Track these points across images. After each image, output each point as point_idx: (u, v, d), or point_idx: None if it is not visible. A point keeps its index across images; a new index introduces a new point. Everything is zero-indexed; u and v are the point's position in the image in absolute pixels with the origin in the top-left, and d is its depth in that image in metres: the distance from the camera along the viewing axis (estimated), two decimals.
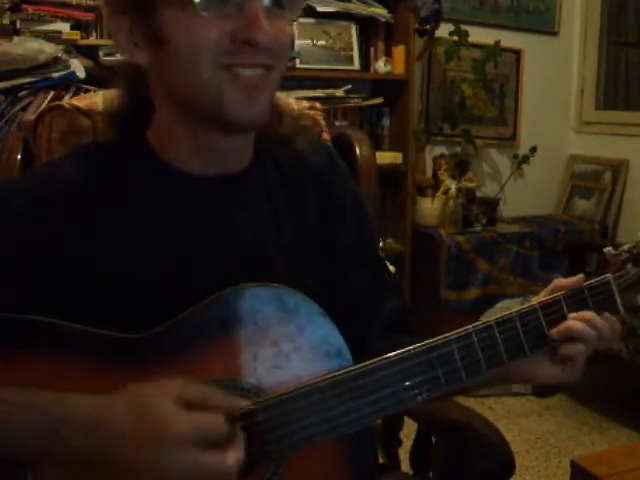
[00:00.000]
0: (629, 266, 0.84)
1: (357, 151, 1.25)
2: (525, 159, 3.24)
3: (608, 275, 0.84)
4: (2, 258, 0.77)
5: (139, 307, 0.77)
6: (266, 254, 0.86)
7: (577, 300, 0.82)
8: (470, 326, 0.81)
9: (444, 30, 2.92)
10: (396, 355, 0.78)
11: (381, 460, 1.21)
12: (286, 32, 0.79)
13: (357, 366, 0.78)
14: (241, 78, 0.75)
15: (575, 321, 0.81)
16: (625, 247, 0.85)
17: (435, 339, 0.79)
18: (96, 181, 0.81)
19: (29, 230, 0.78)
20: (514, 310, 0.82)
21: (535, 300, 0.84)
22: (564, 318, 0.82)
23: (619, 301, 0.83)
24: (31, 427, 0.68)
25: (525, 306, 0.82)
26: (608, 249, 0.86)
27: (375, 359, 0.78)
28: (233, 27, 0.74)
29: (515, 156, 3.31)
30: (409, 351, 0.79)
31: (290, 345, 0.78)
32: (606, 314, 0.82)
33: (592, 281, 0.84)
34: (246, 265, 0.83)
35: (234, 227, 0.85)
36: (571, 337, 0.81)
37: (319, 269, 0.90)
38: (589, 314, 0.81)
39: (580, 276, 0.84)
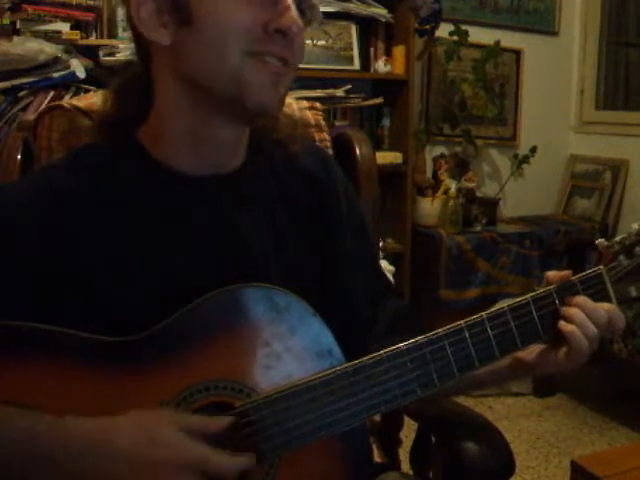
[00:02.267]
0: (621, 257, 0.84)
1: (357, 151, 1.25)
2: (525, 159, 3.24)
3: (600, 267, 0.83)
4: (1, 260, 0.77)
5: (137, 307, 0.77)
6: (261, 254, 0.86)
7: (569, 293, 0.82)
8: (462, 321, 0.80)
9: (444, 30, 2.92)
10: (387, 352, 0.78)
11: (381, 460, 1.22)
12: (304, 39, 0.80)
13: (349, 364, 0.78)
14: (266, 65, 0.76)
15: (567, 308, 0.81)
16: (617, 239, 0.85)
17: (426, 335, 0.79)
18: (91, 183, 0.81)
19: (27, 234, 0.78)
20: (506, 304, 0.81)
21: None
22: (556, 311, 0.81)
23: (612, 293, 0.83)
24: (30, 451, 0.69)
25: (517, 300, 0.82)
26: (600, 241, 0.86)
27: (367, 357, 0.78)
28: (266, 17, 0.75)
29: (515, 156, 3.31)
30: (401, 348, 0.78)
31: (281, 345, 0.78)
32: (604, 303, 0.81)
33: (584, 273, 0.83)
34: (240, 264, 0.83)
35: (229, 226, 0.85)
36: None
37: (317, 271, 0.90)
38: (580, 299, 0.81)
39: (568, 271, 0.84)
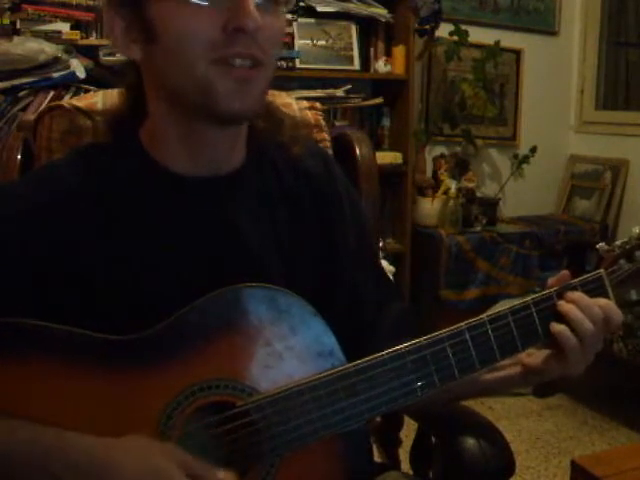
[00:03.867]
0: (622, 261, 0.84)
1: (357, 151, 1.25)
2: (525, 159, 3.24)
3: (601, 270, 0.83)
4: (1, 261, 0.77)
5: (137, 307, 0.77)
6: (261, 254, 0.85)
7: None
8: (463, 323, 0.81)
9: (444, 30, 2.92)
10: (389, 353, 0.78)
11: (381, 460, 1.22)
12: (277, 28, 0.79)
13: (350, 365, 0.78)
14: (232, 70, 0.75)
15: (563, 303, 0.81)
16: (618, 243, 0.85)
17: (427, 337, 0.79)
18: (92, 184, 0.81)
19: (28, 233, 0.78)
20: (507, 307, 0.82)
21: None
22: (557, 314, 0.81)
23: (612, 296, 0.83)
24: (32, 465, 0.69)
25: (517, 302, 0.82)
26: (601, 245, 0.86)
27: (368, 357, 0.78)
28: (224, 18, 0.74)
29: (515, 156, 3.31)
30: (402, 349, 0.79)
31: (283, 345, 0.78)
32: (600, 299, 0.81)
33: (585, 276, 0.83)
34: (241, 264, 0.83)
35: (229, 227, 0.84)
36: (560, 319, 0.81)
37: (319, 272, 0.89)
38: (575, 295, 0.81)
39: (565, 272, 0.84)
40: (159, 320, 0.76)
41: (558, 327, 0.80)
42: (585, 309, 0.80)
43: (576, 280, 0.83)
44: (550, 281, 0.84)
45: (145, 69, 0.82)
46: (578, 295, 0.81)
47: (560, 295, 0.82)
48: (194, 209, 0.83)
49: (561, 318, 0.81)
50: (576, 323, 0.79)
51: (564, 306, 0.80)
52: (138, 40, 0.78)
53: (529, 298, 0.82)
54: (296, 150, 0.92)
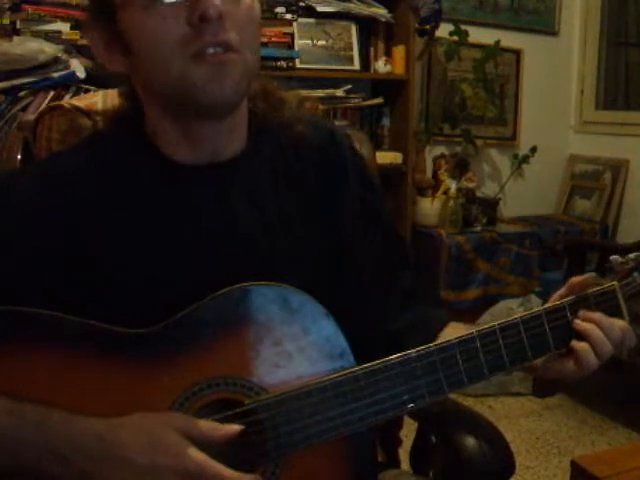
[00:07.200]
0: (635, 274, 0.84)
1: None
2: (525, 159, 3.24)
3: (614, 283, 0.84)
4: (3, 251, 0.78)
5: (139, 300, 0.78)
6: (259, 238, 0.85)
7: (582, 307, 0.83)
8: (474, 330, 0.81)
9: (444, 30, 2.92)
10: (398, 358, 0.79)
11: (381, 459, 1.22)
12: (244, 11, 0.78)
13: (359, 367, 0.78)
14: (206, 57, 0.75)
15: (583, 322, 0.82)
16: (631, 255, 0.85)
17: (438, 343, 0.80)
18: (97, 172, 0.82)
19: (31, 222, 0.78)
20: (518, 315, 0.82)
21: (552, 301, 0.85)
22: (568, 324, 0.82)
23: (625, 309, 0.83)
24: (40, 446, 0.70)
25: (529, 312, 0.82)
26: (615, 257, 0.86)
27: (377, 361, 0.78)
28: (188, 11, 0.74)
29: (515, 156, 3.31)
30: (411, 354, 0.79)
31: (293, 345, 0.78)
32: (619, 320, 0.82)
33: (598, 289, 0.83)
34: (245, 250, 0.84)
35: (226, 213, 0.84)
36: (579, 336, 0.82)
37: (324, 244, 0.89)
38: (596, 315, 0.82)
39: (589, 275, 0.84)
40: (162, 312, 0.76)
41: (581, 344, 0.81)
42: (606, 330, 0.81)
43: (589, 292, 0.83)
44: (561, 291, 0.85)
45: (133, 78, 0.83)
46: (599, 316, 0.81)
47: (573, 307, 0.82)
48: (191, 196, 0.84)
49: (575, 330, 0.81)
50: (597, 344, 0.80)
51: (584, 325, 0.81)
52: (119, 53, 0.80)
53: (540, 308, 0.82)
54: (299, 128, 0.91)
